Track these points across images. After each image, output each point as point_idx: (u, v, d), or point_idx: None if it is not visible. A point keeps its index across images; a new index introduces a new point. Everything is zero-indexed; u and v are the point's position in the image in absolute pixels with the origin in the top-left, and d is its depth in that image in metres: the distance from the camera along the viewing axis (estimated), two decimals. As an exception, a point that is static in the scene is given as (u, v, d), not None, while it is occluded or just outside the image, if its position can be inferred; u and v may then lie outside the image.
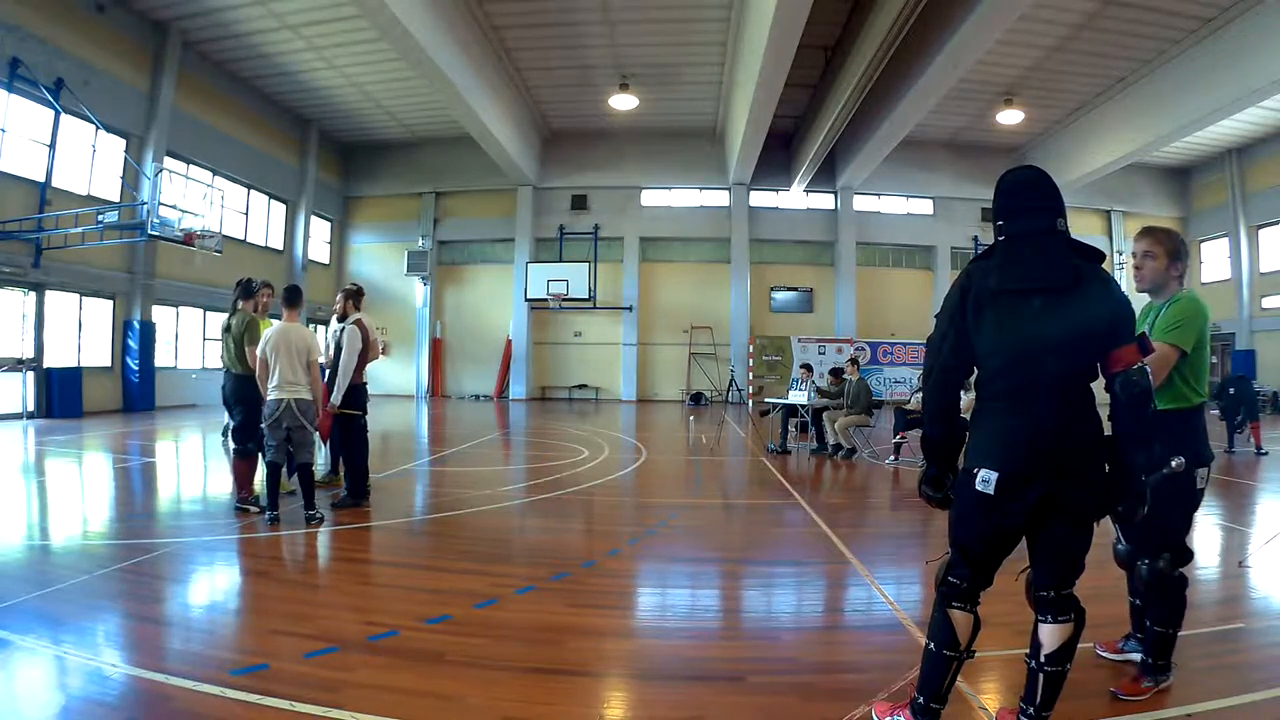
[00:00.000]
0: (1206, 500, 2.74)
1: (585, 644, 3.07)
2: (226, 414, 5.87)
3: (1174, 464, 2.48)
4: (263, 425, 5.20)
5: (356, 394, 5.86)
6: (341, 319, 6.06)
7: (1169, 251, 2.62)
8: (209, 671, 2.62)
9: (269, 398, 5.16)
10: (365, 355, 5.88)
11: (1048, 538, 2.07)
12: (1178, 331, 2.52)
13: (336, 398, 5.64)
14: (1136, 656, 2.75)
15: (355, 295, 6.13)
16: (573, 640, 3.09)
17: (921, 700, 2.15)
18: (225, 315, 5.89)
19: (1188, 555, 2.61)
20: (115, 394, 14.86)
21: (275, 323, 5.42)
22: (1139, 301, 2.50)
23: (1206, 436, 2.61)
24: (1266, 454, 9.72)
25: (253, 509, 5.38)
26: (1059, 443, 1.98)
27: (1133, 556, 2.65)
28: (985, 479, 2.03)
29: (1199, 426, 2.60)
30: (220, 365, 5.97)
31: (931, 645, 2.14)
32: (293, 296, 5.43)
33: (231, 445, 5.71)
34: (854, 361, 10.04)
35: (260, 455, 5.47)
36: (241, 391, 5.58)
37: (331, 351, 6.59)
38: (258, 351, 5.25)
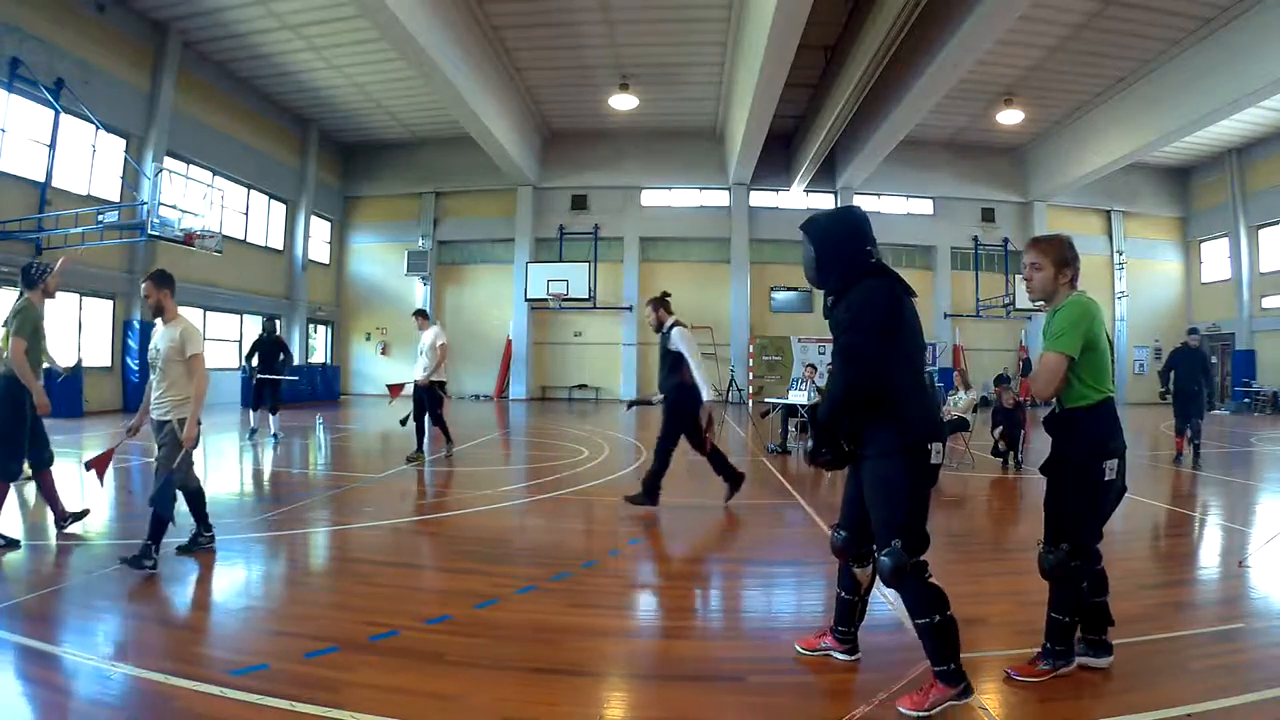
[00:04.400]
0: (1208, 500, 2.75)
1: (585, 644, 3.07)
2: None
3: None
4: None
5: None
6: (658, 328, 6.18)
7: (1055, 260, 2.68)
8: (209, 671, 2.63)
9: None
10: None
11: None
12: (1063, 339, 2.59)
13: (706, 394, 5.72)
14: (1104, 662, 2.74)
15: (663, 303, 6.35)
16: (573, 640, 3.09)
17: (954, 665, 2.37)
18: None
19: (1092, 555, 2.67)
20: (115, 394, 14.85)
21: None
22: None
23: (1117, 429, 2.65)
24: (1180, 461, 8.76)
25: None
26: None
27: (1055, 566, 2.62)
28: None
29: (1105, 420, 2.63)
30: None
31: (936, 616, 2.36)
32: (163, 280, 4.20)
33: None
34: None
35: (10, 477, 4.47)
36: (4, 392, 4.42)
37: (425, 357, 7.97)
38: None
